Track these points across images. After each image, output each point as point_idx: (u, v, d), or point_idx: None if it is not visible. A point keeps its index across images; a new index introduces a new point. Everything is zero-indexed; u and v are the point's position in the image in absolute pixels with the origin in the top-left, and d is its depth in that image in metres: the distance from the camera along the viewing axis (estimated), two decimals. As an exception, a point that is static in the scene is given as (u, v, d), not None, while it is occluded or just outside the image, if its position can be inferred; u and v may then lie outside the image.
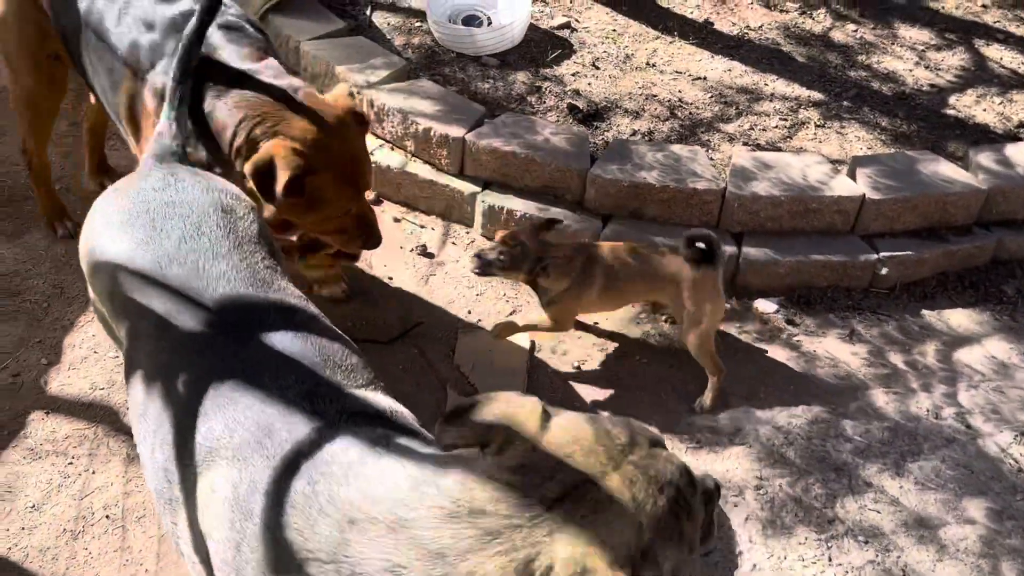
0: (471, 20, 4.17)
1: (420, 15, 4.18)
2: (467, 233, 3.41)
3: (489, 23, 4.16)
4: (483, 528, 1.10)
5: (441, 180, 3.38)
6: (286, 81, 2.28)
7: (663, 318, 3.14)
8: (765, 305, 3.20)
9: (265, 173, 2.08)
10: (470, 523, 1.11)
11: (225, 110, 2.18)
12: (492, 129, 3.37)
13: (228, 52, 2.27)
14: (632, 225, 3.25)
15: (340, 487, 1.24)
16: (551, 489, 1.12)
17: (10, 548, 2.26)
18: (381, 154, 3.48)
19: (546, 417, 1.22)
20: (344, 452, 1.30)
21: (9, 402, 2.61)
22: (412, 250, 3.30)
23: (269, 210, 2.19)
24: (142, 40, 2.29)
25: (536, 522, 1.10)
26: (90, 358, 2.76)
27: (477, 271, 2.70)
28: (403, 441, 1.35)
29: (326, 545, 1.19)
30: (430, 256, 3.30)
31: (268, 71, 2.28)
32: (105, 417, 2.60)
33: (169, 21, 2.29)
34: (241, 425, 1.37)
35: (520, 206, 3.28)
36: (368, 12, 4.24)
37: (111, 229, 1.69)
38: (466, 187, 3.36)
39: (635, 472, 1.17)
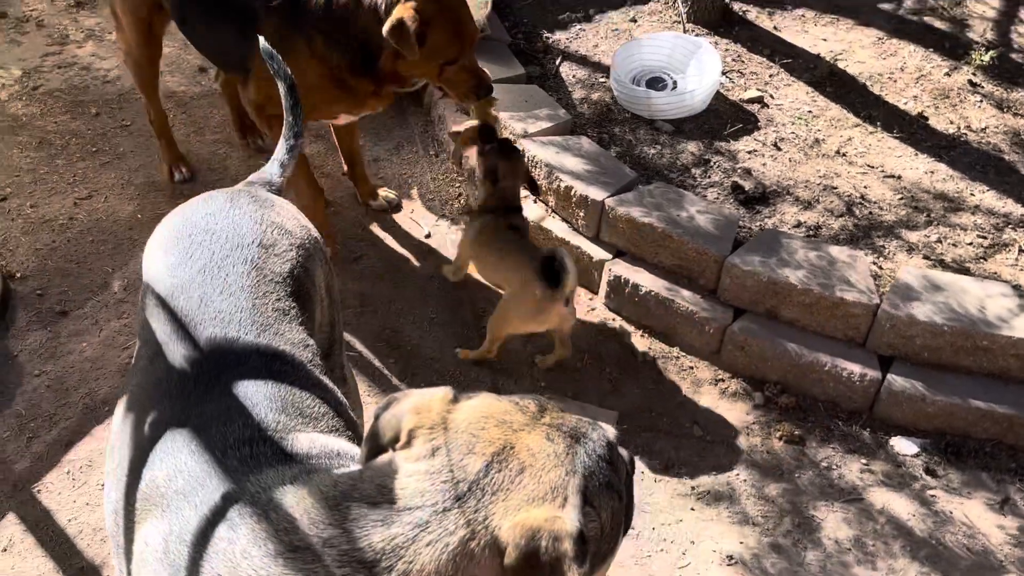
0: (656, 82, 4.03)
1: (607, 71, 4.10)
2: (589, 299, 3.26)
3: (674, 87, 4.00)
4: (412, 523, 1.08)
5: (574, 240, 3.27)
6: None
7: (778, 435, 2.80)
8: (903, 445, 2.77)
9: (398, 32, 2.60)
10: (399, 522, 1.08)
11: None
12: (636, 197, 3.20)
13: None
14: (766, 325, 2.95)
15: (260, 524, 1.20)
16: (472, 463, 1.10)
17: (70, 520, 2.42)
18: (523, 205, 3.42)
19: (456, 402, 1.20)
20: (266, 491, 1.26)
21: (119, 381, 2.81)
22: (529, 307, 3.21)
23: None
24: None
25: (464, 500, 1.08)
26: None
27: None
28: (334, 471, 1.29)
29: None
30: (545, 317, 3.18)
31: None
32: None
33: None
34: (181, 474, 1.34)
35: (647, 282, 3.09)
36: (557, 62, 4.23)
37: (157, 247, 1.75)
38: (597, 252, 3.22)
39: (550, 429, 1.16)
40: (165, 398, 1.47)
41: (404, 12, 2.59)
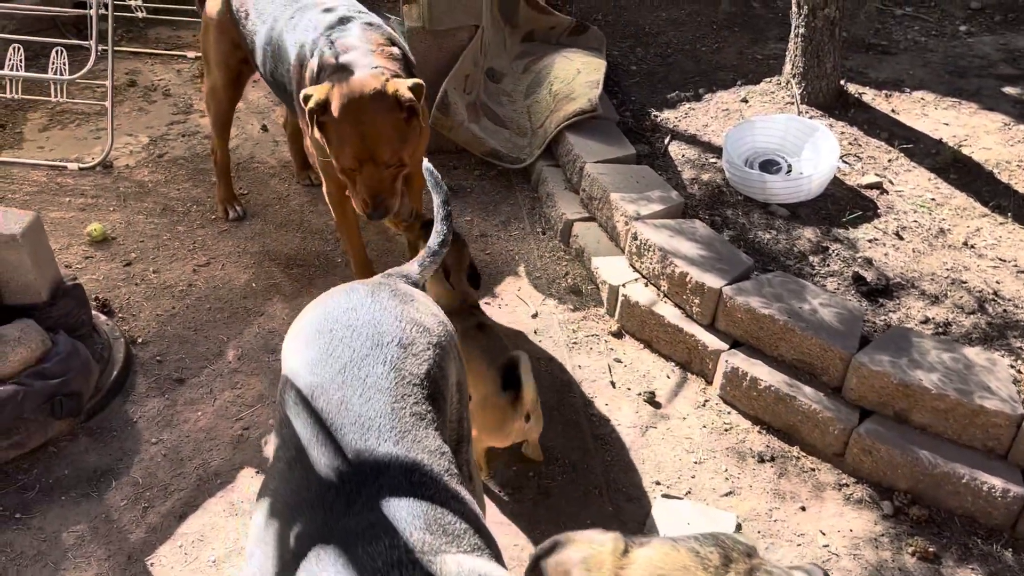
0: (769, 165, 3.95)
1: (717, 151, 4.05)
2: (703, 390, 3.15)
3: (789, 171, 3.91)
4: None
5: (688, 328, 3.17)
6: (369, 60, 2.75)
7: (910, 550, 2.62)
8: (1051, 570, 2.55)
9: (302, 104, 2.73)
10: None
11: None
12: (755, 286, 3.11)
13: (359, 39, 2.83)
14: (895, 429, 2.79)
15: None
16: None
17: (180, 595, 2.41)
18: (633, 288, 3.36)
19: (628, 552, 1.16)
20: None
21: (231, 453, 2.82)
22: (639, 394, 3.11)
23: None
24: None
25: None
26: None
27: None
28: None
29: None
30: (656, 405, 3.08)
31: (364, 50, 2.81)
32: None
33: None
34: None
35: (766, 375, 2.96)
36: (666, 141, 4.20)
37: (298, 340, 1.74)
38: (713, 341, 3.12)
39: None
40: (306, 507, 1.44)
41: (316, 90, 2.68)
